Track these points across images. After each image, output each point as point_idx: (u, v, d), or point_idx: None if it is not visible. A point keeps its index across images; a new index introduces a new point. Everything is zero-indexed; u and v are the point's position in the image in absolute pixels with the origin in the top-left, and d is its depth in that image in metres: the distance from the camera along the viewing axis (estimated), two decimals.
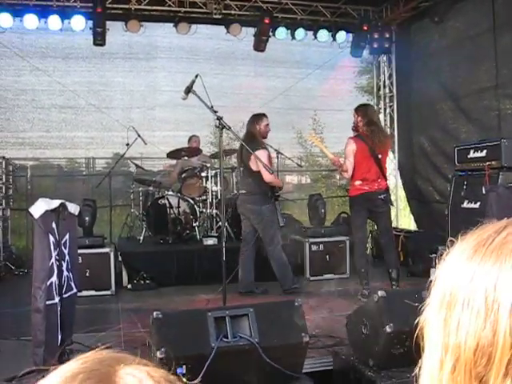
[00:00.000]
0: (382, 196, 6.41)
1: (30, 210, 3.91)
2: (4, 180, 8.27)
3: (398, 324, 3.56)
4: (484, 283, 0.78)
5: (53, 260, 4.11)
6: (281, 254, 6.66)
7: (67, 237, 4.47)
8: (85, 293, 6.72)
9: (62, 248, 4.36)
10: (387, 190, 6.57)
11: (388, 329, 3.57)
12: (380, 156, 6.41)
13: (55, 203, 4.21)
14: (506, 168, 6.57)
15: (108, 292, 6.95)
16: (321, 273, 7.64)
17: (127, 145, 8.22)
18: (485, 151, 6.81)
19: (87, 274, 6.81)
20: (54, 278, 4.17)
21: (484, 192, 6.04)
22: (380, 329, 3.66)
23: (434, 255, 7.42)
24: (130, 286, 7.21)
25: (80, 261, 6.76)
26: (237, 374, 3.40)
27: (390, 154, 6.69)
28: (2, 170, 8.22)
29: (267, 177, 6.47)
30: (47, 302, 3.98)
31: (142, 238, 8.01)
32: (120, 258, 7.33)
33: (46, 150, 9.45)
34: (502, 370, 0.75)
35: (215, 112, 5.07)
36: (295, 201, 10.34)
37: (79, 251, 6.75)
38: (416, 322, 0.88)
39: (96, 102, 9.38)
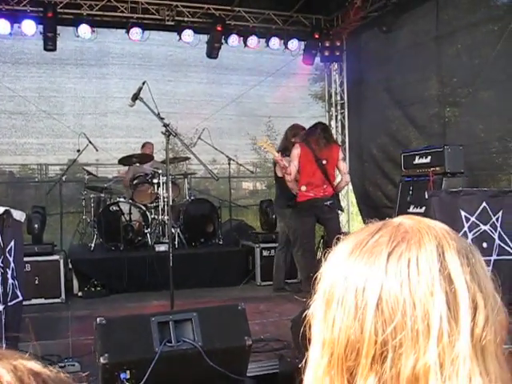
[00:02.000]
0: (329, 203, 6.51)
1: None
2: None
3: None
4: (355, 283, 0.84)
5: None
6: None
7: (12, 244, 4.44)
8: (34, 301, 6.68)
9: (7, 255, 4.33)
10: (334, 196, 6.65)
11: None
12: (325, 162, 6.52)
13: None
14: (449, 174, 6.80)
15: (58, 300, 6.91)
16: (272, 278, 7.72)
17: (78, 151, 8.18)
18: (429, 157, 7.03)
19: (36, 282, 6.77)
20: None
21: (427, 197, 6.21)
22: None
23: None
24: (80, 294, 7.16)
25: (29, 268, 6.75)
26: (181, 378, 3.43)
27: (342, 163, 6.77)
28: None
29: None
30: None
31: (93, 245, 7.95)
32: (70, 266, 7.28)
33: None
34: (368, 364, 0.82)
35: (162, 119, 5.10)
36: (247, 207, 10.41)
37: (28, 259, 6.77)
38: (304, 315, 0.94)
39: (47, 108, 9.27)
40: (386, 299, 0.82)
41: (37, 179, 10.33)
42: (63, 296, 6.93)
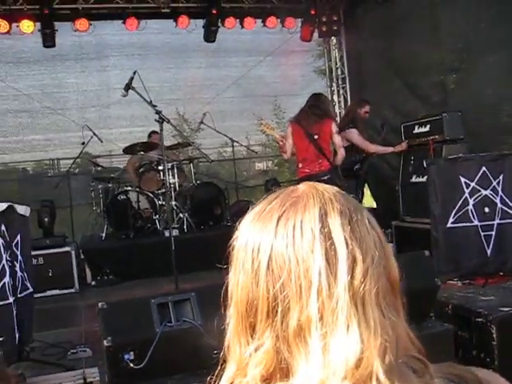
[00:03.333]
0: (325, 177, 6.56)
1: None
2: None
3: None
4: (252, 246, 0.94)
5: (3, 262, 4.21)
6: None
7: (18, 238, 4.56)
8: (49, 292, 6.86)
9: (14, 249, 4.46)
10: (331, 170, 6.66)
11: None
12: (316, 137, 6.55)
13: (2, 206, 4.30)
14: (448, 141, 6.82)
15: (72, 290, 7.06)
16: None
17: (83, 144, 8.31)
18: (428, 126, 7.05)
19: (50, 274, 6.92)
20: (7, 279, 4.27)
21: (420, 165, 6.25)
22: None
23: (389, 230, 7.66)
24: (93, 283, 7.33)
25: (42, 261, 6.92)
26: (182, 356, 3.53)
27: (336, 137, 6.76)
28: None
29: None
30: (1, 303, 4.08)
31: (104, 234, 8.10)
32: (82, 256, 7.44)
33: (5, 155, 9.48)
34: (264, 319, 0.92)
35: (154, 106, 5.20)
36: (255, 187, 10.51)
37: (40, 252, 6.95)
38: (226, 281, 1.04)
39: (51, 104, 9.42)
40: (276, 259, 0.91)
41: (49, 174, 10.51)
42: (77, 286, 7.09)
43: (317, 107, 6.67)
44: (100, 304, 3.47)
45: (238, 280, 0.95)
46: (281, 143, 6.66)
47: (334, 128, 6.70)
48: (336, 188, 1.00)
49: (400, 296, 0.98)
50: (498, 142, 7.35)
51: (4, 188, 10.03)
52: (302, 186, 1.00)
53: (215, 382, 1.01)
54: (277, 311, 0.90)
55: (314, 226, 0.90)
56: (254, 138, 11.62)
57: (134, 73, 5.29)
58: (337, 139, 6.68)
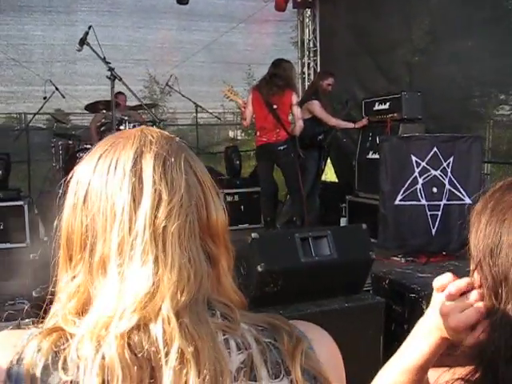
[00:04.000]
0: (282, 147, 6.61)
1: None
2: None
3: (269, 264, 3.82)
4: (75, 182, 1.02)
5: None
6: None
7: None
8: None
9: None
10: (288, 140, 6.70)
11: (259, 268, 3.82)
12: (275, 107, 6.58)
13: None
14: (406, 120, 6.89)
15: (23, 244, 7.05)
16: (236, 223, 7.87)
17: (44, 98, 8.21)
18: (388, 104, 7.12)
19: (1, 227, 6.90)
20: None
21: (378, 142, 6.33)
22: (253, 268, 3.91)
23: (343, 205, 7.77)
24: (46, 239, 7.31)
25: None
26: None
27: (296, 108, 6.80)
28: None
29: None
30: None
31: (61, 191, 8.03)
32: (36, 211, 7.42)
33: None
34: (77, 252, 0.99)
35: (108, 63, 5.17)
36: (217, 154, 10.52)
37: None
38: None
39: (15, 55, 9.23)
40: (91, 194, 0.97)
41: (16, 128, 10.36)
42: (28, 241, 7.08)
43: (278, 76, 6.66)
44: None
45: (63, 214, 0.99)
46: (243, 109, 6.71)
47: (295, 99, 6.73)
48: (165, 133, 1.04)
49: (224, 242, 1.02)
50: (461, 127, 7.44)
51: None
52: (134, 129, 1.03)
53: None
54: (86, 244, 0.95)
55: (127, 164, 0.96)
56: (227, 104, 11.59)
57: (89, 28, 5.27)
58: (296, 111, 6.72)
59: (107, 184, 0.95)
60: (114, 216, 0.93)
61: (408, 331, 1.20)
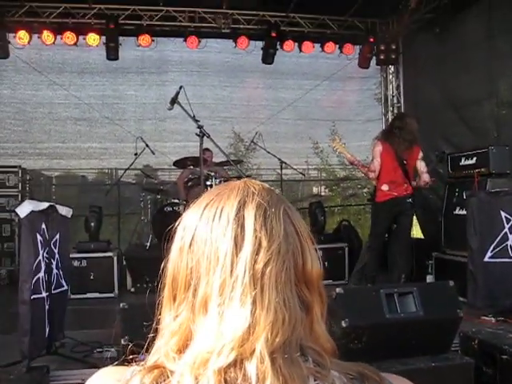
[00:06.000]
0: (411, 199, 6.58)
1: (16, 209, 4.22)
2: (20, 188, 8.70)
3: (353, 319, 3.77)
4: (183, 228, 1.07)
5: (40, 257, 4.41)
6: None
7: (57, 237, 4.78)
8: (89, 295, 7.10)
9: (52, 247, 4.67)
10: (414, 194, 6.67)
11: (343, 324, 3.78)
12: (405, 162, 6.56)
13: (44, 205, 4.52)
14: (494, 174, 6.71)
15: (111, 294, 7.27)
16: None
17: (135, 154, 8.58)
18: (475, 158, 6.97)
19: (91, 277, 7.16)
20: (42, 274, 4.46)
21: (465, 198, 6.18)
22: (337, 324, 3.87)
23: (430, 262, 7.56)
24: (133, 290, 7.51)
25: (85, 264, 7.18)
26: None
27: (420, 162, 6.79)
28: (18, 179, 8.66)
29: None
30: (34, 296, 4.25)
31: (148, 243, 8.30)
32: (125, 263, 7.65)
33: (62, 161, 9.87)
34: (181, 292, 1.03)
35: (197, 121, 5.37)
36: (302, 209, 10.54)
37: (84, 255, 7.22)
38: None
39: (109, 114, 9.78)
40: (196, 239, 1.03)
41: (107, 183, 10.86)
42: (116, 291, 7.30)
43: (405, 131, 6.61)
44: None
45: (170, 256, 1.06)
46: (351, 159, 6.68)
47: (420, 154, 6.74)
48: (266, 185, 1.10)
49: (318, 290, 1.05)
50: None
51: (64, 193, 10.46)
52: (238, 181, 1.10)
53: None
54: (190, 285, 1.01)
55: (231, 213, 1.01)
56: (312, 161, 11.73)
57: (180, 88, 5.48)
58: (420, 165, 6.70)
59: (212, 230, 1.02)
60: (217, 260, 0.99)
61: None
